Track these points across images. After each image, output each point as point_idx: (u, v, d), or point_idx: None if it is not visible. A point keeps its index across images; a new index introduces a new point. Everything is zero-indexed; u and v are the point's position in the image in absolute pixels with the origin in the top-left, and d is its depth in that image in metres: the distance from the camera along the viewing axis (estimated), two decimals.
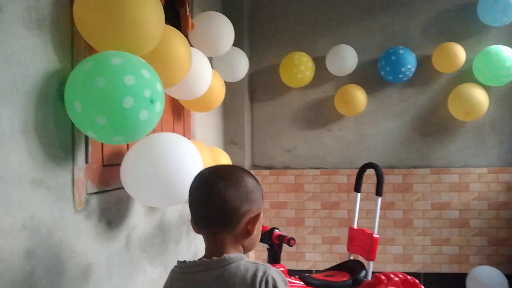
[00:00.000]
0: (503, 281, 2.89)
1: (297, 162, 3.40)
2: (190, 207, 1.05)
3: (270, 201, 3.38)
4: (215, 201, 1.00)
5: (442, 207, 3.21)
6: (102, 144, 1.46)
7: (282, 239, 2.23)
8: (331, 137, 3.37)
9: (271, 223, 3.27)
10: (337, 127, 3.35)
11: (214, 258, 0.99)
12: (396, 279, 1.49)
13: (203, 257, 1.02)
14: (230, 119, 3.23)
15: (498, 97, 3.15)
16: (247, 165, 3.33)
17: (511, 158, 3.17)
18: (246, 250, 1.07)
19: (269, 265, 1.03)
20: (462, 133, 3.22)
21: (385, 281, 1.48)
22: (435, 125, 3.25)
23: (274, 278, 0.98)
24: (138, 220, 1.73)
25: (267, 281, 0.97)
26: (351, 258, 2.75)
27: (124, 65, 1.16)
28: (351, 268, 2.53)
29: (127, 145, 1.63)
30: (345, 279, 2.43)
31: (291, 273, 2.43)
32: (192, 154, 1.55)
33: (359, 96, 3.11)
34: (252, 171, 3.39)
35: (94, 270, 1.39)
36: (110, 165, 1.53)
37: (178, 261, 1.06)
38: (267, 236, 2.27)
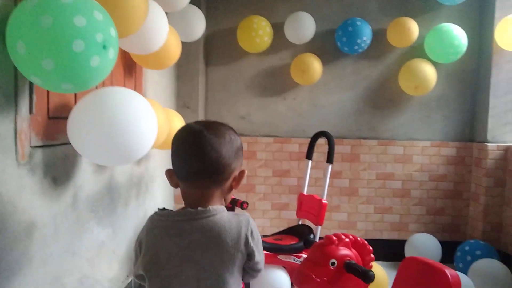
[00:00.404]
0: (438, 247, 3.10)
1: (251, 129, 3.38)
2: (176, 160, 1.06)
3: None
4: (212, 157, 1.02)
5: (386, 177, 3.36)
6: (48, 93, 1.35)
7: (235, 202, 2.23)
8: (285, 106, 3.37)
9: None
10: (292, 96, 3.36)
11: (199, 208, 1.02)
12: (347, 239, 1.54)
13: (184, 208, 1.05)
14: (183, 81, 3.13)
15: (445, 74, 3.29)
16: None
17: (453, 133, 3.35)
18: (224, 204, 1.11)
19: (247, 214, 1.11)
20: (409, 107, 3.35)
21: (336, 242, 1.52)
22: (385, 98, 3.35)
23: (254, 227, 1.08)
24: (86, 178, 1.64)
25: (251, 231, 1.06)
26: (300, 223, 2.81)
27: (74, 4, 1.06)
28: (300, 232, 2.60)
29: (75, 98, 1.52)
30: (293, 242, 2.49)
31: None
32: (146, 112, 1.48)
33: (315, 65, 3.12)
34: None
35: (39, 228, 1.31)
36: (57, 117, 1.42)
37: (158, 208, 1.08)
38: None
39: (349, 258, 1.47)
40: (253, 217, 3.38)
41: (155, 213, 1.07)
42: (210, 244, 1.02)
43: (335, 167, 3.32)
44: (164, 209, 1.07)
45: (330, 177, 3.32)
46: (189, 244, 1.02)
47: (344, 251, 1.50)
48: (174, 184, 1.08)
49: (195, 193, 1.05)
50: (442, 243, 3.15)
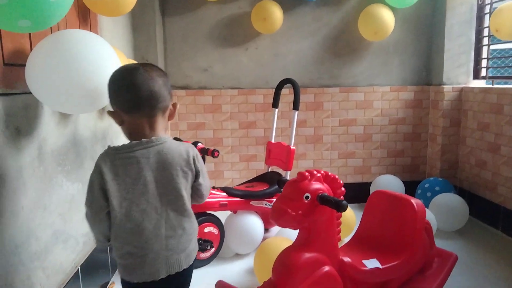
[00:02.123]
0: (401, 186, 3.27)
1: (214, 82, 3.33)
2: (121, 96, 1.19)
3: (187, 122, 3.32)
4: (152, 86, 1.19)
5: (349, 124, 3.44)
6: (0, 37, 1.25)
7: (205, 151, 2.23)
8: (247, 56, 3.33)
9: None
10: (254, 46, 3.31)
11: (152, 138, 1.21)
12: (319, 175, 1.59)
13: (136, 140, 1.21)
14: (140, 33, 3.00)
15: (402, 19, 3.34)
16: None
17: (411, 77, 3.45)
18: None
19: (190, 143, 1.36)
20: (369, 54, 3.40)
21: (309, 177, 1.57)
22: (345, 45, 3.37)
23: (198, 153, 1.32)
24: (50, 130, 1.58)
25: (197, 155, 1.30)
26: (269, 170, 2.87)
27: None
28: (270, 178, 2.65)
29: (30, 43, 1.43)
30: (265, 188, 2.54)
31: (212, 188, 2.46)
32: (110, 55, 1.42)
33: (276, 13, 3.07)
34: None
35: (5, 182, 1.26)
36: (13, 64, 1.33)
37: (108, 146, 1.22)
38: None
39: (322, 191, 1.53)
40: (222, 169, 3.42)
41: (108, 150, 1.21)
42: (167, 164, 1.22)
43: (300, 116, 3.36)
44: (117, 145, 1.21)
45: (296, 126, 3.38)
46: (150, 167, 1.20)
47: (316, 185, 1.55)
48: (119, 121, 1.23)
49: (141, 123, 1.21)
50: (404, 182, 3.32)
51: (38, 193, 1.46)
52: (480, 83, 3.30)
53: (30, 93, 1.34)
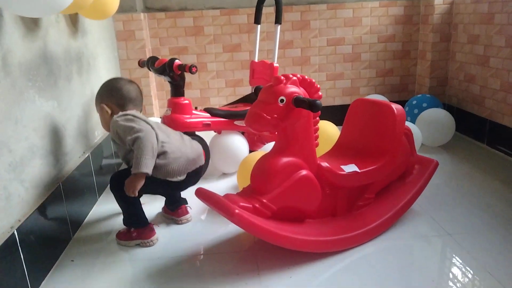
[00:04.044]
0: None
1: (194, 2, 3.18)
2: (131, 99, 1.81)
3: (169, 47, 3.22)
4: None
5: (337, 43, 3.35)
6: None
7: (183, 68, 2.17)
8: None
9: None
10: None
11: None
12: (294, 78, 1.55)
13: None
14: None
15: None
16: (139, 7, 3.04)
17: None
18: None
19: (113, 119, 1.72)
20: None
21: (284, 81, 1.53)
22: None
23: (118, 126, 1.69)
24: (14, 42, 1.51)
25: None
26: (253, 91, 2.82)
27: None
28: (254, 99, 2.61)
29: None
30: (248, 108, 2.51)
31: None
32: None
33: None
34: (145, 15, 3.14)
35: None
36: None
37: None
38: (168, 67, 2.19)
39: (297, 94, 1.50)
40: (207, 96, 3.38)
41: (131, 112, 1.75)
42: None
43: (286, 37, 3.26)
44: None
45: (281, 48, 3.29)
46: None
47: (292, 88, 1.52)
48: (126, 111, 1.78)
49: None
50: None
51: (7, 106, 1.43)
52: None
53: None
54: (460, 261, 1.56)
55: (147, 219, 1.81)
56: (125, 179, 1.63)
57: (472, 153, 2.74)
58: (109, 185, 1.78)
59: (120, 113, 1.72)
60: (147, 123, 1.69)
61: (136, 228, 1.77)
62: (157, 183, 1.70)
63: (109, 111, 1.77)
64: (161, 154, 1.68)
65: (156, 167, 1.64)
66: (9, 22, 1.49)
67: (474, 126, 2.96)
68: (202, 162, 1.88)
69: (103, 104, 1.78)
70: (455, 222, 1.84)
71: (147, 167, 1.57)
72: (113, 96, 1.78)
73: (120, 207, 1.80)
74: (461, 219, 1.87)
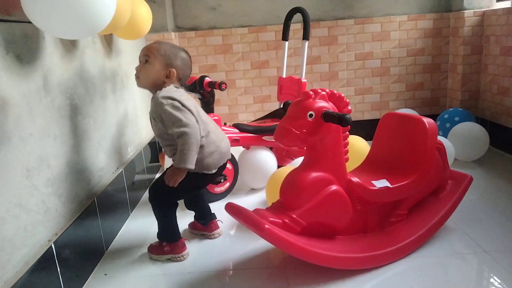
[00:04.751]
0: None
1: (223, 20, 3.26)
2: (187, 78, 1.81)
3: (198, 65, 3.30)
4: None
5: (365, 57, 3.34)
6: None
7: (213, 85, 2.22)
8: None
9: None
10: None
11: None
12: (323, 93, 1.56)
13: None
14: None
15: None
16: (170, 27, 3.14)
17: (429, 4, 3.28)
18: None
19: (159, 99, 1.64)
20: None
21: (313, 96, 1.54)
22: None
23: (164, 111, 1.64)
24: (54, 62, 1.59)
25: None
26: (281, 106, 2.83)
27: None
28: (282, 114, 2.62)
29: None
30: (276, 123, 2.52)
31: None
32: None
33: None
34: (176, 34, 3.23)
35: (12, 106, 1.28)
36: None
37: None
38: (198, 84, 2.24)
39: (326, 109, 1.50)
40: (236, 112, 3.42)
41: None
42: None
43: (314, 52, 3.28)
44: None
45: (309, 63, 3.31)
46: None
47: (321, 103, 1.52)
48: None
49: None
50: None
51: (46, 122, 1.49)
52: (504, 4, 3.10)
53: (29, 22, 1.34)
54: (499, 280, 1.50)
55: (180, 233, 1.84)
56: (164, 190, 1.68)
57: (507, 168, 2.65)
58: (148, 196, 1.81)
59: (166, 93, 1.64)
60: (192, 113, 1.65)
61: (169, 242, 1.80)
62: (191, 177, 1.69)
63: (170, 77, 1.70)
64: (200, 147, 1.68)
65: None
66: (49, 44, 1.57)
67: (509, 140, 2.87)
68: (230, 156, 1.90)
69: (173, 69, 1.70)
70: (492, 239, 1.78)
71: (192, 163, 1.61)
72: (183, 69, 1.73)
73: (156, 219, 1.83)
74: (498, 236, 1.81)
